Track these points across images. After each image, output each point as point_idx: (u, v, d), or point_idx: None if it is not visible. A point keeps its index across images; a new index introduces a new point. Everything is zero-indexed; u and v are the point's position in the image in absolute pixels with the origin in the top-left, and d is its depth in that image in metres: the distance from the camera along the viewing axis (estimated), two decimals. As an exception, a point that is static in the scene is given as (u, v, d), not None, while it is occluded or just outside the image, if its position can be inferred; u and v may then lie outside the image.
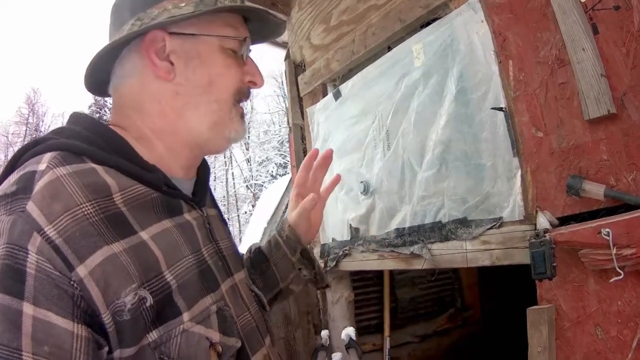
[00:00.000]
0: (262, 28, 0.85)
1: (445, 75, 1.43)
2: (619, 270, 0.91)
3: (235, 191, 29.62)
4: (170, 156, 0.76)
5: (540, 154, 1.15)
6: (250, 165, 29.59)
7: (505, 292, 2.72)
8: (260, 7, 0.82)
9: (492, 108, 1.26)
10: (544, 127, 1.13)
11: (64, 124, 0.73)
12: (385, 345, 2.39)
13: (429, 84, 1.49)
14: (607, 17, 1.00)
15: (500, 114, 1.24)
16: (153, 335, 0.60)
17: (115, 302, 0.56)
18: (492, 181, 1.28)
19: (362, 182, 1.79)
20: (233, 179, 30.41)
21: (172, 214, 0.71)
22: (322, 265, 1.93)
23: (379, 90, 1.73)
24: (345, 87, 1.93)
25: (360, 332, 2.34)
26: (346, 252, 1.91)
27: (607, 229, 0.92)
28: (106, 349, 0.56)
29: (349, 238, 1.92)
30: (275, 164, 28.07)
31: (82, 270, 0.54)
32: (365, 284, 2.56)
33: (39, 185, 0.57)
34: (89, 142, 0.66)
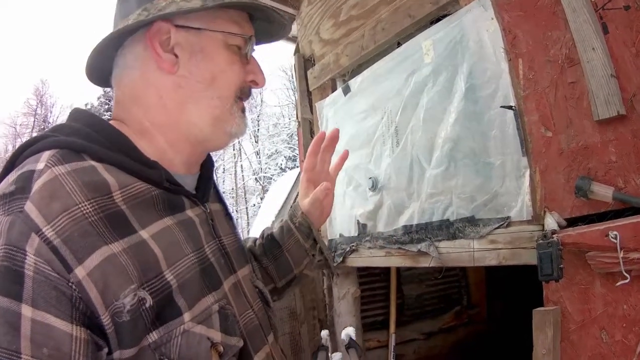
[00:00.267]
0: (267, 29, 0.84)
1: (454, 72, 1.41)
2: (625, 274, 0.90)
3: (244, 184, 29.64)
4: (172, 151, 0.75)
5: (549, 153, 1.14)
6: (260, 157, 29.56)
7: (512, 291, 2.71)
8: (267, 5, 0.81)
9: (501, 106, 1.25)
10: (554, 127, 1.12)
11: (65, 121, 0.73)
12: (390, 342, 2.39)
13: (439, 81, 1.48)
14: (617, 16, 0.98)
15: (510, 113, 1.23)
16: (153, 336, 0.59)
17: (114, 303, 0.55)
18: (500, 180, 1.27)
19: (370, 178, 1.79)
20: (242, 171, 30.39)
21: (174, 211, 0.71)
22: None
23: (388, 86, 1.72)
24: (354, 83, 1.92)
25: (365, 328, 2.35)
26: (353, 248, 1.91)
27: (615, 232, 0.91)
28: (105, 350, 0.55)
29: (356, 234, 1.92)
30: (285, 156, 28.05)
31: (80, 272, 0.53)
32: (372, 280, 2.56)
33: (37, 185, 0.56)
34: (89, 139, 0.65)
